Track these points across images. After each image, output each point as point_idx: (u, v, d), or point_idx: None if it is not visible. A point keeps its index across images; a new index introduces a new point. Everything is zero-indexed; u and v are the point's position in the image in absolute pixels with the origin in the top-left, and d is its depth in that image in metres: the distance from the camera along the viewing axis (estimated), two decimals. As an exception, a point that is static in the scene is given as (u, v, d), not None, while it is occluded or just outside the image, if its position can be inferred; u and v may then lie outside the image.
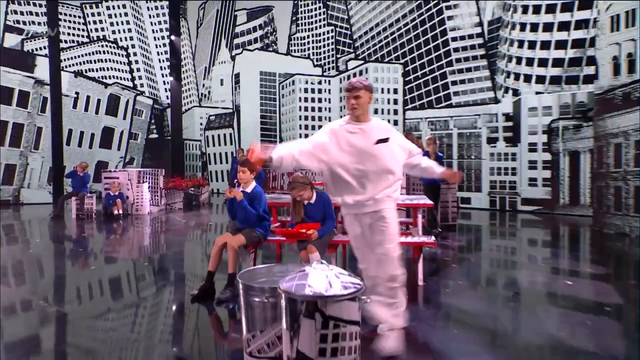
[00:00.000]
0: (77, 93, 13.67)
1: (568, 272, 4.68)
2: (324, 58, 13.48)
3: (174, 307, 3.81)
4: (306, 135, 13.51)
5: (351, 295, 1.82)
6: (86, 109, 13.85)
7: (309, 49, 13.76)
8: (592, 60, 8.28)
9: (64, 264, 5.53)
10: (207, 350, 3.00)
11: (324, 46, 13.47)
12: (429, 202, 4.48)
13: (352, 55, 12.80)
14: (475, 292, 3.97)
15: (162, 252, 6.23)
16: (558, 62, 9.28)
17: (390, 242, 2.69)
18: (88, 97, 13.89)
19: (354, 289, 1.86)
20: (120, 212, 9.08)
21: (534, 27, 9.52)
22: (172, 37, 15.21)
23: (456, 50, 10.81)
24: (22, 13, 12.77)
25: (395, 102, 12.05)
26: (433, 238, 4.17)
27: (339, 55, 13.14)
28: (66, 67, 13.52)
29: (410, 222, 5.09)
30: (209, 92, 16.08)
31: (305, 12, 13.80)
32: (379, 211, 2.68)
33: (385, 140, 2.70)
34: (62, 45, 13.34)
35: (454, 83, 10.88)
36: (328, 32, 13.35)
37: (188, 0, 16.27)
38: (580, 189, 8.95)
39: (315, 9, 13.56)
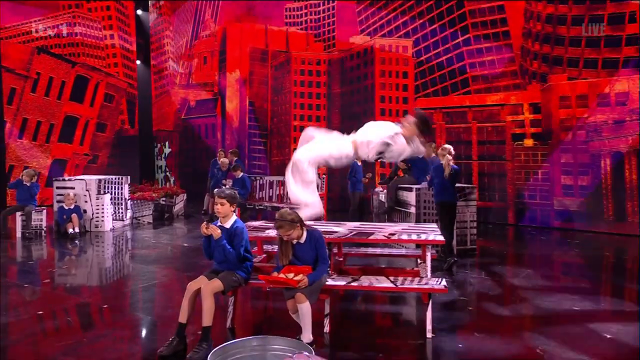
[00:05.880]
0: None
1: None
2: (324, 33, 13.30)
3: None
4: (300, 128, 13.50)
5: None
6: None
7: (306, 21, 13.62)
8: (632, 41, 8.08)
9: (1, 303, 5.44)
10: None
11: (323, 19, 13.31)
12: (440, 238, 4.48)
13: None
14: (495, 347, 3.99)
15: (125, 286, 6.19)
16: (592, 42, 9.10)
17: None
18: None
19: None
20: (77, 230, 8.98)
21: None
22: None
23: (474, 26, 10.67)
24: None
25: (405, 88, 11.95)
26: (444, 283, 4.13)
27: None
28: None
29: (419, 255, 5.10)
30: (189, 73, 15.90)
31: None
32: None
33: None
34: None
35: (472, 66, 10.80)
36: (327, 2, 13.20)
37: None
38: (627, 201, 8.74)
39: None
